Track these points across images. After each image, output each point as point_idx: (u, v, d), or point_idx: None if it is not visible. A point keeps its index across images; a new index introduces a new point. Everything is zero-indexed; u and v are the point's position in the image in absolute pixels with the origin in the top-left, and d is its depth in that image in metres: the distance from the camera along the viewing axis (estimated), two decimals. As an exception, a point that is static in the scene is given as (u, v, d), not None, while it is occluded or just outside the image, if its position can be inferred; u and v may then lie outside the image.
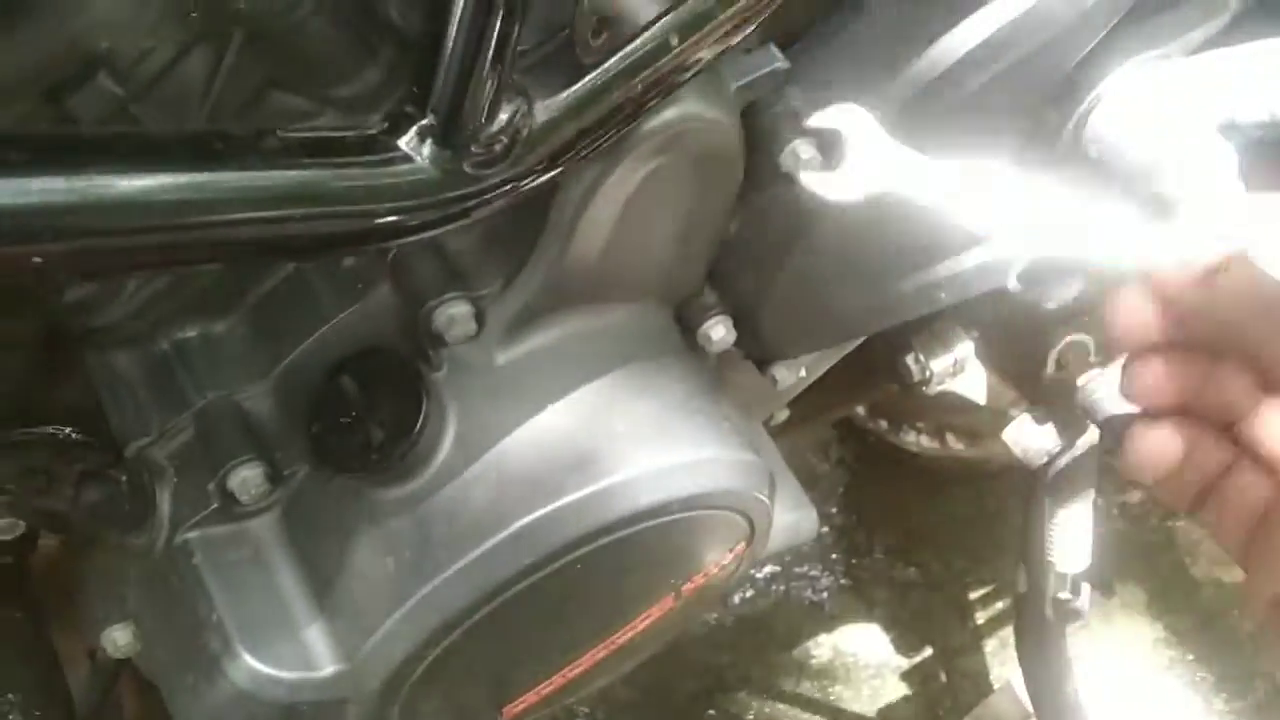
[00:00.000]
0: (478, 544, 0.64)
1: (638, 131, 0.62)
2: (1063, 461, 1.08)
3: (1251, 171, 0.74)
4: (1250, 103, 0.78)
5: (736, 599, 1.60)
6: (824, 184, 0.53)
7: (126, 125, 0.56)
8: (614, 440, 0.68)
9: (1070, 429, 1.05)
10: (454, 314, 0.66)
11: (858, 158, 0.52)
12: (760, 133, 0.69)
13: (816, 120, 0.55)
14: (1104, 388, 0.96)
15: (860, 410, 1.57)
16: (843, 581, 1.62)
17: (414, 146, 0.49)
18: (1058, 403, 1.04)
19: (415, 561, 0.65)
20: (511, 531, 0.64)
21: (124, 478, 0.69)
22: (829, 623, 1.60)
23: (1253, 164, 0.75)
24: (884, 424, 1.59)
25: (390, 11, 0.67)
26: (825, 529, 1.65)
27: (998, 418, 1.32)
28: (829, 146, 0.54)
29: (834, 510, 1.67)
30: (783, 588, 1.62)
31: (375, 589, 0.65)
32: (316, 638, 0.66)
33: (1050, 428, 1.04)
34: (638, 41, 0.54)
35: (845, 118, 0.53)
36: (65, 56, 0.54)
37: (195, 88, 0.62)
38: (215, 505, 0.68)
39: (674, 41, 0.55)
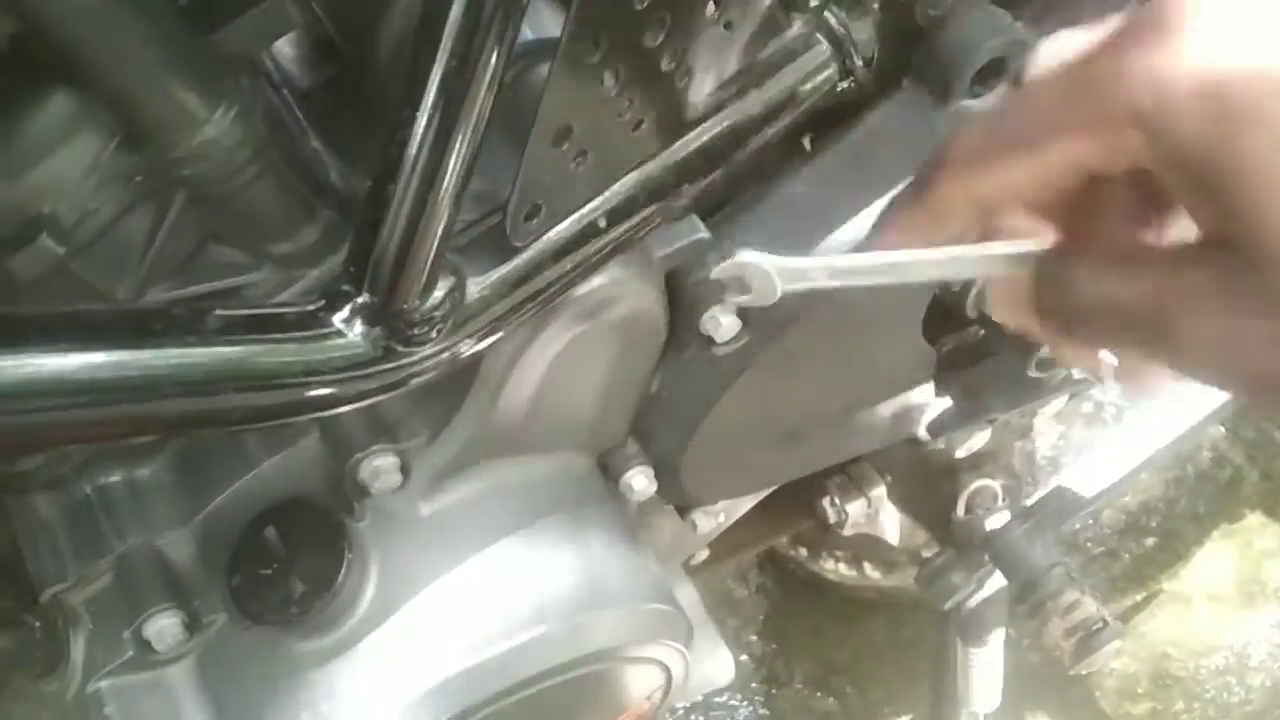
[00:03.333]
0: (395, 699, 0.65)
1: (567, 297, 0.65)
2: (973, 603, 1.11)
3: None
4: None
5: (656, 729, 1.59)
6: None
7: (67, 294, 0.58)
8: (534, 594, 0.69)
9: (979, 571, 1.08)
10: (380, 465, 0.68)
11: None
12: (683, 298, 0.72)
13: (718, 273, 0.55)
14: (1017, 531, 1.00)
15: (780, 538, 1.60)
16: (762, 712, 1.63)
17: (348, 323, 0.51)
18: (967, 545, 1.07)
19: (330, 715, 0.65)
20: (429, 688, 0.65)
21: (38, 623, 0.68)
22: (747, 754, 1.60)
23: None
24: (803, 552, 1.62)
25: (330, 174, 0.70)
26: (744, 657, 1.66)
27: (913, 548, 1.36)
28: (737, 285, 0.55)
29: (754, 638, 1.68)
30: (702, 718, 1.61)
31: (289, 743, 0.65)
32: (227, 792, 0.66)
33: (960, 569, 1.08)
34: (567, 223, 0.57)
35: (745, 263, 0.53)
36: (6, 219, 0.56)
37: (135, 245, 0.64)
38: (130, 654, 0.67)
39: (602, 224, 0.58)
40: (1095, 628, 0.85)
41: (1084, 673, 0.87)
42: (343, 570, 0.64)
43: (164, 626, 0.67)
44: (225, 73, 0.60)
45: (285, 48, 0.78)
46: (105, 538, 0.70)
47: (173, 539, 0.71)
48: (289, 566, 0.65)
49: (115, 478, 0.72)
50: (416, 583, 0.67)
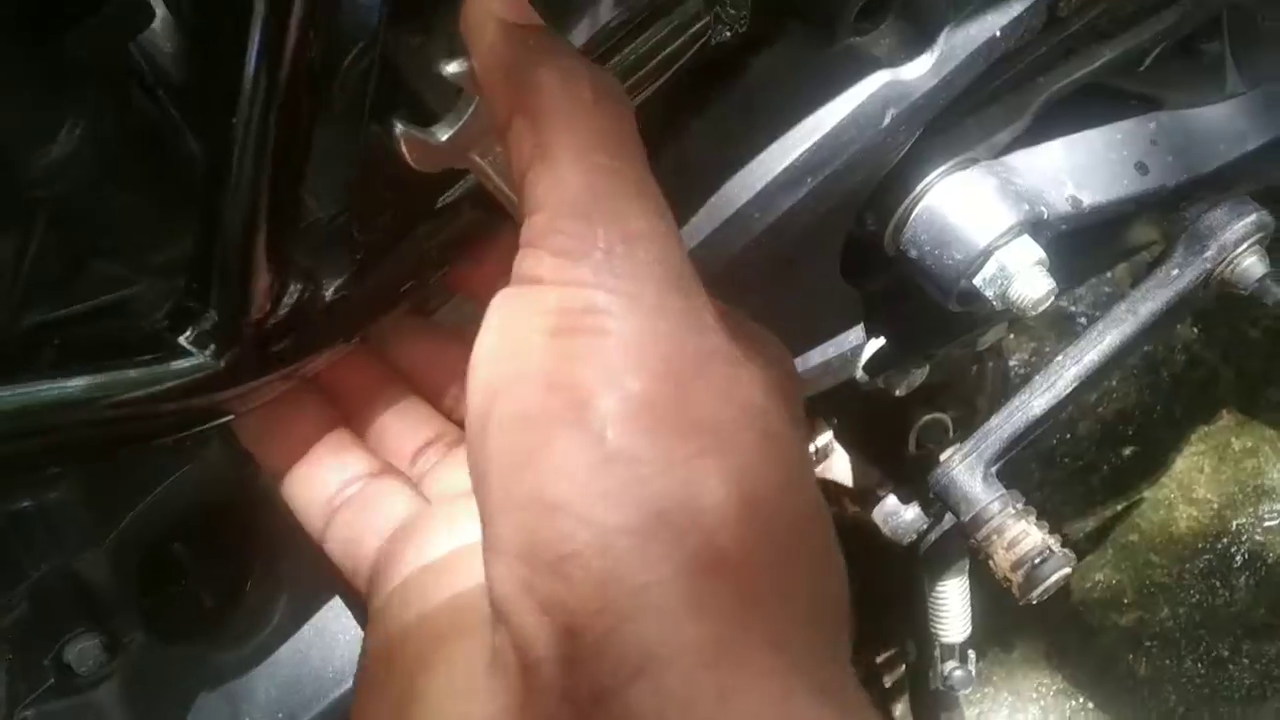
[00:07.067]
0: (317, 703, 0.64)
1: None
2: (932, 536, 1.11)
3: (1060, 266, 0.78)
4: (1053, 197, 0.82)
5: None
6: None
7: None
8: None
9: (935, 504, 1.08)
10: (285, 470, 0.66)
11: None
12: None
13: None
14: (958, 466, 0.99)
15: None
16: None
17: (196, 341, 0.49)
18: (921, 480, 1.06)
19: (254, 725, 0.64)
20: (350, 687, 0.64)
21: (-42, 658, 0.68)
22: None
23: (1061, 258, 0.79)
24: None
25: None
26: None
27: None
28: None
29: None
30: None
31: (217, 755, 0.65)
32: (159, 810, 0.65)
33: (915, 505, 1.07)
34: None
35: None
36: None
37: (4, 270, 0.62)
38: (52, 680, 0.67)
39: (465, 211, 0.56)
40: (1040, 559, 0.85)
41: (1034, 602, 0.86)
42: (250, 580, 0.64)
43: (84, 649, 0.66)
44: (71, 85, 0.57)
45: (159, 43, 0.76)
46: (20, 565, 0.69)
47: (88, 560, 0.70)
48: (198, 580, 0.65)
49: (26, 504, 0.71)
50: (328, 587, 0.66)
